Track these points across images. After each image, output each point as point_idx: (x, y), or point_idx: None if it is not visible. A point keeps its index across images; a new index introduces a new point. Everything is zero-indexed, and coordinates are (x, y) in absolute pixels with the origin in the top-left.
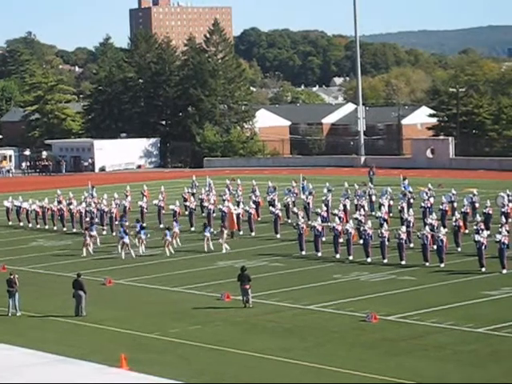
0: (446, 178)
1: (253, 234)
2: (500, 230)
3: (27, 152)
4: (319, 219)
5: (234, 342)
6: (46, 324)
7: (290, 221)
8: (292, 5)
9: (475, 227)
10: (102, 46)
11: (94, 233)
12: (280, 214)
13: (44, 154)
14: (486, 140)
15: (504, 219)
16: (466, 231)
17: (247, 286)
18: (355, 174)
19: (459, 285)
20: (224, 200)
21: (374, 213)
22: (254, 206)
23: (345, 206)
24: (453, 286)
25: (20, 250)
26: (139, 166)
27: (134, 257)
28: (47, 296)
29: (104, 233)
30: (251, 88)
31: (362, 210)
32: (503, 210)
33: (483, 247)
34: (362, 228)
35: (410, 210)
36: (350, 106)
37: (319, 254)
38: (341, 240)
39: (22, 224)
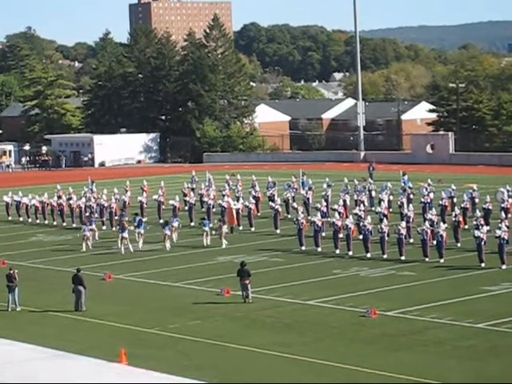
0: (445, 174)
1: (252, 229)
2: (500, 225)
3: (27, 147)
4: (319, 214)
5: (233, 337)
6: (46, 319)
7: (289, 216)
8: (292, 0)
9: (475, 222)
10: (101, 41)
11: (93, 226)
12: (280, 209)
13: (44, 149)
14: (485, 135)
15: (504, 214)
16: (466, 226)
17: (247, 281)
18: (355, 170)
19: (459, 280)
20: (224, 195)
21: (373, 208)
22: (253, 201)
23: (344, 201)
24: (452, 281)
25: (20, 244)
26: (139, 161)
27: (132, 251)
28: (47, 291)
29: (104, 228)
30: (251, 83)
31: (361, 205)
32: (503, 205)
33: (483, 243)
34: (361, 223)
35: (410, 205)
36: (350, 101)
37: (319, 250)
38: (340, 235)
39: (21, 219)
